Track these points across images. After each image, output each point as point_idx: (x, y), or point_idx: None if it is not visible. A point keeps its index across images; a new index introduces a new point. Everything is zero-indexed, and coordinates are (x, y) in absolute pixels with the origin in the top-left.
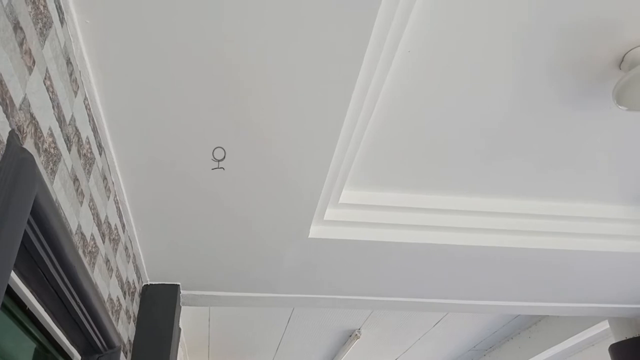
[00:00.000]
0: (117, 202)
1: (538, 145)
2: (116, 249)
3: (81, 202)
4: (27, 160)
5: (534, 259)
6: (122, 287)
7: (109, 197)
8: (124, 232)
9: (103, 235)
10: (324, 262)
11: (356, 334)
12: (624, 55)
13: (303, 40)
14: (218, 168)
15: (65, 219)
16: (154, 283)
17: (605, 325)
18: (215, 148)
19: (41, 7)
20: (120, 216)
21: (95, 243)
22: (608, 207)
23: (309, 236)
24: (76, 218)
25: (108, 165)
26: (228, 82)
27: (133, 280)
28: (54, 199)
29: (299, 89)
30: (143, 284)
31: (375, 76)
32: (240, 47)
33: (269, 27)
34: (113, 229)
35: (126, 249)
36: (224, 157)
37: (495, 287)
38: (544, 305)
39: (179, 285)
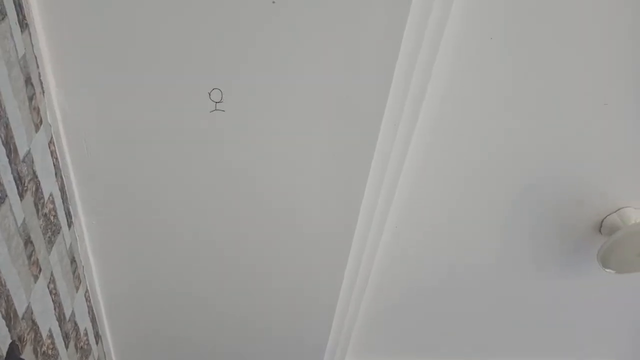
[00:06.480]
0: None
1: (536, 307)
2: None
3: None
4: None
5: None
6: None
7: None
8: None
9: None
10: None
11: None
12: (602, 221)
13: (296, 219)
14: (216, 110)
15: None
16: None
17: None
18: (213, 89)
19: (52, 218)
20: None
21: None
22: None
23: None
24: None
25: (104, 353)
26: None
27: None
28: None
29: (290, 265)
30: None
31: (367, 247)
32: (230, 225)
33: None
34: None
35: None
36: (222, 98)
37: None
38: None
39: None
